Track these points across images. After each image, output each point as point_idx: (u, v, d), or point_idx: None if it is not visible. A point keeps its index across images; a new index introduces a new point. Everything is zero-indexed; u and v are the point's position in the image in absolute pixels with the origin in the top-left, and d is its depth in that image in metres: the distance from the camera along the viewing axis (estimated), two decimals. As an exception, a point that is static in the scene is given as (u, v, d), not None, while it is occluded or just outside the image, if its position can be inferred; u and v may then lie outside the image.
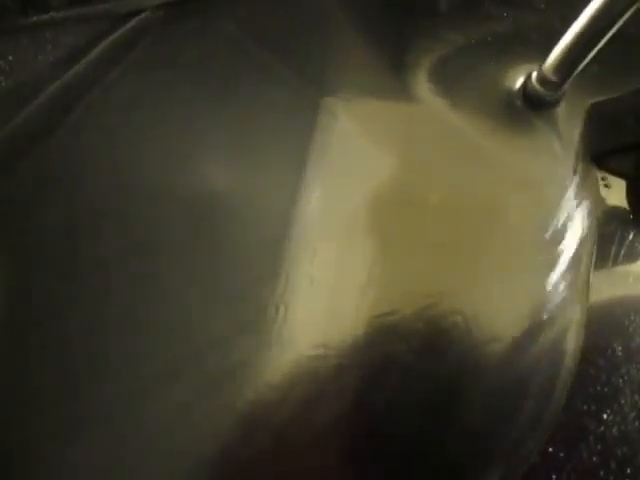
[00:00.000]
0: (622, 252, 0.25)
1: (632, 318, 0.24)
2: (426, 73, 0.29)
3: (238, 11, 0.30)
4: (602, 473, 0.22)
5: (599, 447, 0.22)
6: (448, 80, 0.29)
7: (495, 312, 0.25)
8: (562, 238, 0.25)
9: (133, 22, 0.30)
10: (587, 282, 0.25)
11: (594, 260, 0.25)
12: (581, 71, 0.27)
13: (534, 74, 0.27)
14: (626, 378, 0.23)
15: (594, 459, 0.22)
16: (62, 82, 0.27)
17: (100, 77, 0.27)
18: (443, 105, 0.29)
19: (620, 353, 0.23)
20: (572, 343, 0.23)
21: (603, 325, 0.24)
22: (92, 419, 0.21)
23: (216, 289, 0.23)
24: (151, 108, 0.27)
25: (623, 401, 0.22)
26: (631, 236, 0.26)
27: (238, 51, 0.29)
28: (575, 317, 0.24)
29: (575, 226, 0.25)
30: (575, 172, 0.27)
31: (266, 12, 0.30)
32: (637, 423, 0.22)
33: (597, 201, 0.27)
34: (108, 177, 0.25)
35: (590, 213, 0.26)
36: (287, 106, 0.27)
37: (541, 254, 0.25)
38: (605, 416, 0.22)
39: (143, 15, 0.30)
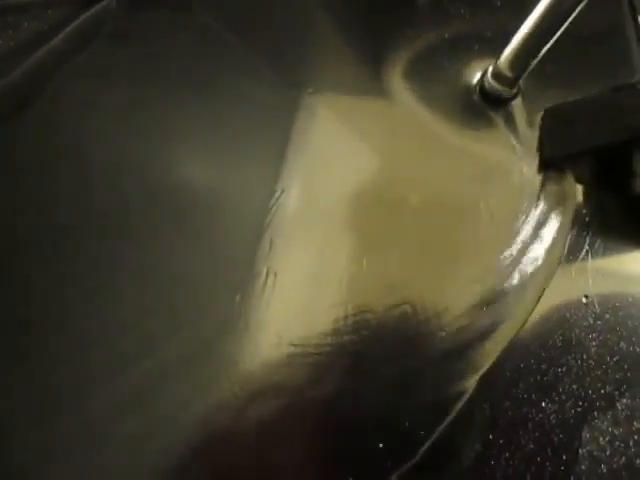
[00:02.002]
0: (566, 247, 0.26)
1: (572, 310, 0.24)
2: (397, 70, 0.30)
3: (216, 4, 0.30)
4: (539, 459, 0.22)
5: (537, 434, 0.22)
6: (415, 77, 0.29)
7: (449, 301, 0.25)
8: (523, 231, 0.26)
9: (96, 8, 0.30)
10: (546, 277, 0.25)
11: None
12: (537, 69, 0.27)
13: (490, 70, 0.28)
14: (565, 368, 0.23)
15: (532, 446, 0.22)
16: (24, 68, 0.27)
17: (63, 63, 0.27)
18: (413, 101, 0.29)
19: (560, 344, 0.24)
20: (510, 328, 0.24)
21: (545, 316, 0.25)
22: (66, 399, 0.21)
23: (190, 276, 0.24)
24: (117, 97, 0.27)
25: (561, 390, 0.23)
26: (576, 230, 0.26)
27: (215, 44, 0.29)
28: (528, 305, 0.25)
29: (534, 221, 0.26)
30: (531, 167, 0.27)
31: (246, 7, 0.30)
32: (573, 411, 0.23)
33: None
34: (76, 170, 0.25)
35: (548, 208, 0.26)
36: (267, 102, 0.28)
37: (501, 246, 0.26)
38: (544, 404, 0.23)
39: (105, 2, 0.30)
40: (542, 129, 0.29)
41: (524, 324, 0.24)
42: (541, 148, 0.28)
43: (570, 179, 0.28)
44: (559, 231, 0.26)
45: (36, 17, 0.29)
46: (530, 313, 0.25)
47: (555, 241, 0.26)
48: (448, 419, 0.23)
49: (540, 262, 0.25)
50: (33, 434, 0.20)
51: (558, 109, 0.29)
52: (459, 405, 0.22)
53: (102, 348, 0.22)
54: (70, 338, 0.22)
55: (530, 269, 0.25)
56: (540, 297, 0.25)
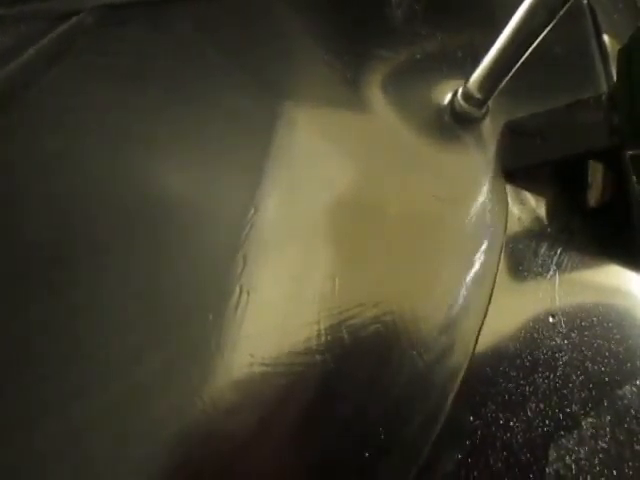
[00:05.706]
0: (533, 265, 0.26)
1: (540, 330, 0.25)
2: (373, 88, 0.30)
3: (195, 15, 0.30)
4: (507, 478, 0.22)
5: (505, 453, 0.23)
6: (390, 96, 0.30)
7: (419, 319, 0.25)
8: (474, 250, 0.26)
9: (71, 22, 0.30)
10: (489, 293, 0.26)
11: (508, 272, 0.26)
12: (509, 89, 0.28)
13: (460, 91, 0.28)
14: (532, 387, 0.24)
15: (500, 465, 0.23)
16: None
17: (34, 78, 0.27)
18: (390, 116, 0.29)
19: (528, 363, 0.24)
20: (470, 346, 0.24)
21: (513, 336, 0.25)
22: (55, 404, 0.21)
23: (163, 294, 0.24)
24: (93, 112, 0.27)
25: (529, 409, 0.23)
26: (543, 250, 0.27)
27: (197, 58, 0.29)
28: (477, 322, 0.25)
29: (486, 239, 0.26)
30: (492, 186, 0.28)
31: (228, 21, 0.30)
32: (540, 431, 0.23)
33: (510, 215, 0.28)
34: (47, 186, 0.25)
35: (501, 227, 0.27)
36: (245, 111, 0.28)
37: (455, 263, 0.26)
38: (512, 424, 0.23)
39: (79, 16, 0.30)
40: (501, 143, 0.29)
41: (476, 342, 0.25)
42: (500, 161, 0.29)
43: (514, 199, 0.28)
44: (495, 249, 0.27)
45: (8, 31, 0.29)
46: (479, 330, 0.25)
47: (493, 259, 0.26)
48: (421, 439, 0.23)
49: (484, 280, 0.26)
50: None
51: (516, 123, 0.29)
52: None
53: (80, 364, 0.22)
54: (51, 353, 0.22)
55: (478, 287, 0.26)
56: (485, 314, 0.25)
